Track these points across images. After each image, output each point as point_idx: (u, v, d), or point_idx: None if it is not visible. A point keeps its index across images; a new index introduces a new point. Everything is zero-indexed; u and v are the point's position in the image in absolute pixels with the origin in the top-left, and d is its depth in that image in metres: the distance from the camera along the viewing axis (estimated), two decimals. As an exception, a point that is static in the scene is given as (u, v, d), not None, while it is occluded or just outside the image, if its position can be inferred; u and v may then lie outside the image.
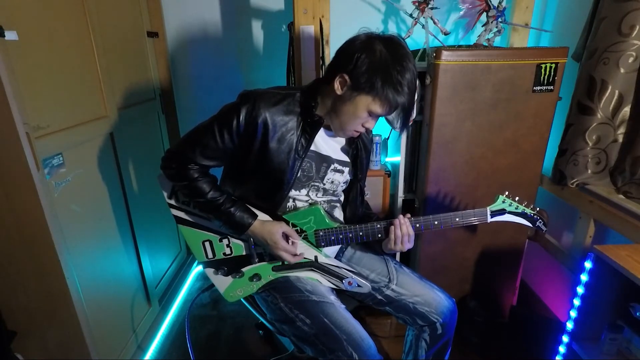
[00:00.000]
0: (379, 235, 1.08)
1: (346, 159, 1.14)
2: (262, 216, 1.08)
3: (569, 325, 1.30)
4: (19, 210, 1.09)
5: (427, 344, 1.16)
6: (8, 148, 1.03)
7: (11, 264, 1.15)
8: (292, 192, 1.09)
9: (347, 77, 0.94)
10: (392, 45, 0.93)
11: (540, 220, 1.07)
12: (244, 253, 1.11)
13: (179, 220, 1.13)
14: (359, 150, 1.15)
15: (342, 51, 0.98)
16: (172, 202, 1.13)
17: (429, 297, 1.13)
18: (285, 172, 1.03)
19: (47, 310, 1.21)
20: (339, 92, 0.96)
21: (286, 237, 1.06)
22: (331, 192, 1.15)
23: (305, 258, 1.10)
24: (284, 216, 1.08)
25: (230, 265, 1.13)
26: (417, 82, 0.96)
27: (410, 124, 1.08)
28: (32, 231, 1.11)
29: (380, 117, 1.01)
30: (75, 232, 1.27)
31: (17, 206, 1.09)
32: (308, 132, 1.03)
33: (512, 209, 1.07)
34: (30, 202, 1.08)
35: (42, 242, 1.12)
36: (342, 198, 1.22)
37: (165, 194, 1.13)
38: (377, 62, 0.91)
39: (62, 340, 1.25)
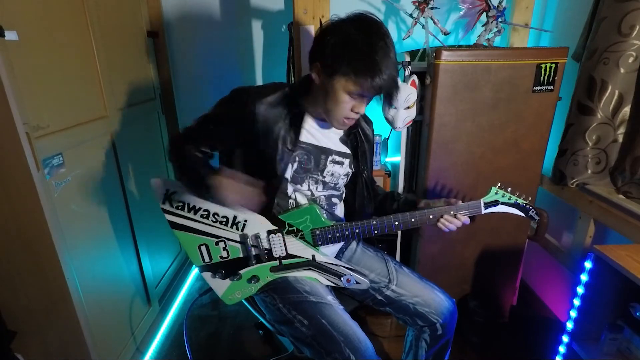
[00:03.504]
0: (375, 232, 1.07)
1: (346, 150, 1.14)
2: (247, 214, 1.07)
3: (569, 325, 1.30)
4: (19, 210, 1.09)
5: (427, 344, 1.16)
6: (8, 148, 1.03)
7: (11, 264, 1.15)
8: (293, 186, 1.09)
9: (319, 65, 0.95)
10: (356, 23, 0.93)
11: (532, 209, 1.08)
12: (240, 255, 1.11)
13: (174, 225, 1.11)
14: (359, 141, 1.14)
15: (313, 42, 0.99)
16: (166, 207, 1.11)
17: (429, 298, 1.13)
18: (275, 165, 1.03)
19: (47, 310, 1.21)
20: (317, 81, 0.98)
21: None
22: (332, 185, 1.14)
23: (302, 257, 1.10)
24: (279, 216, 1.07)
25: (228, 268, 1.12)
26: (393, 53, 0.93)
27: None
28: (32, 231, 1.11)
29: (371, 100, 1.00)
30: (75, 232, 1.27)
31: (17, 206, 1.09)
32: (295, 125, 1.04)
33: (504, 199, 1.08)
34: (30, 202, 1.08)
35: (42, 242, 1.12)
36: (343, 192, 1.21)
37: (159, 199, 1.11)
38: (341, 42, 0.92)
39: (62, 340, 1.25)
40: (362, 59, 0.90)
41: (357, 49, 0.90)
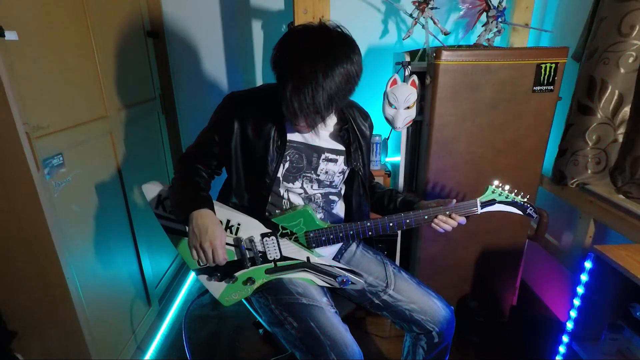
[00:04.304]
0: (370, 233, 1.06)
1: (339, 147, 1.12)
2: (241, 217, 1.07)
3: (569, 325, 1.31)
4: (19, 210, 1.09)
5: (424, 350, 1.15)
6: (8, 148, 1.03)
7: (11, 264, 1.15)
8: (285, 185, 1.09)
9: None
10: (307, 35, 0.91)
11: (530, 207, 1.07)
12: (235, 258, 1.10)
13: (168, 230, 1.11)
14: (352, 136, 1.12)
15: None
16: (159, 211, 1.11)
17: (426, 305, 1.10)
18: (267, 165, 1.03)
19: (47, 310, 1.21)
20: None
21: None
22: (327, 183, 1.13)
23: (297, 259, 1.10)
24: (273, 219, 1.07)
25: (223, 271, 1.11)
26: (334, 78, 0.87)
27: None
28: (32, 231, 1.11)
29: (309, 117, 0.95)
30: (75, 232, 1.27)
31: (17, 206, 1.09)
32: (283, 124, 1.04)
33: (502, 198, 1.06)
34: (30, 202, 1.08)
35: (42, 242, 1.12)
36: (342, 189, 1.20)
37: (151, 204, 1.11)
38: (283, 49, 0.92)
39: (62, 340, 1.25)
40: (290, 73, 0.88)
41: (289, 61, 0.89)
